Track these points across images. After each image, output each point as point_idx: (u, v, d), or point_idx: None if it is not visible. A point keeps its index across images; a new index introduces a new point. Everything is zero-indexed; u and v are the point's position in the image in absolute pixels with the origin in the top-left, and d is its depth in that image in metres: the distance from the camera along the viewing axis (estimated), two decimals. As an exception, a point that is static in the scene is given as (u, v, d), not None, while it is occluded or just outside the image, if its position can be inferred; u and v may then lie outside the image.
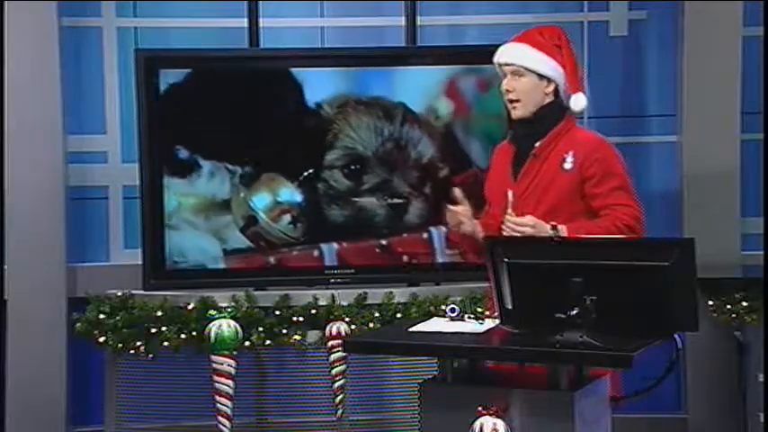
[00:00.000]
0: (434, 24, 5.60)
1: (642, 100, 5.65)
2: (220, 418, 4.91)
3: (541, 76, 3.74)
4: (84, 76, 5.53)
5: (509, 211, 3.60)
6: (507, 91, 3.76)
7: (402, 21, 5.47)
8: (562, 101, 3.79)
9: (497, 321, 3.36)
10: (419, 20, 5.49)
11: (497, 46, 3.88)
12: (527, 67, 3.73)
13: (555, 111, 3.77)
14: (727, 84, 5.33)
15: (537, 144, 3.75)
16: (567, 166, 3.70)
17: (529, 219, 3.59)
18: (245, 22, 5.40)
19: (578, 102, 3.80)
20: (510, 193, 3.60)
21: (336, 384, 4.99)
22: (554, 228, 3.48)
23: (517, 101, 3.74)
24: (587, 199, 3.72)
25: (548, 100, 3.76)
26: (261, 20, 5.41)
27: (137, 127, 5.17)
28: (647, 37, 5.65)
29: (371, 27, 5.61)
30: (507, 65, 3.76)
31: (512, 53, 3.77)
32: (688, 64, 5.39)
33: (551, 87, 3.76)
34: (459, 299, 4.81)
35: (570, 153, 3.71)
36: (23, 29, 5.23)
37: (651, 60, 5.65)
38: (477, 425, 3.14)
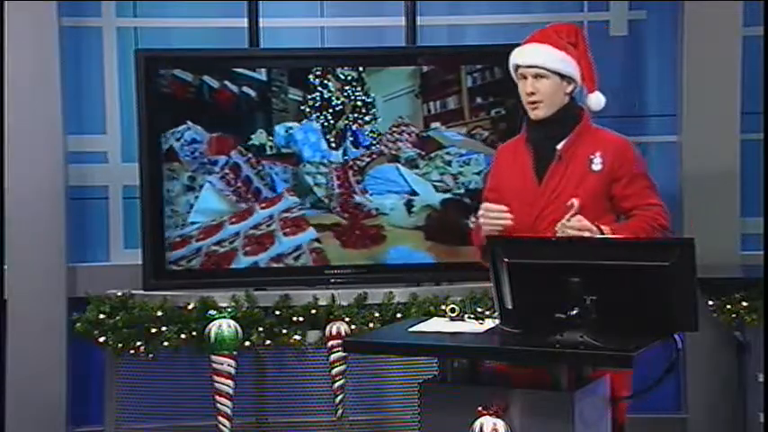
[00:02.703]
0: (434, 24, 5.60)
1: (642, 100, 5.65)
2: (220, 418, 4.91)
3: (563, 77, 3.70)
4: (84, 76, 5.53)
5: (567, 217, 3.52)
6: (531, 93, 3.69)
7: (402, 21, 5.47)
8: (576, 100, 3.77)
9: (497, 321, 3.36)
10: (419, 20, 5.49)
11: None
12: (551, 69, 3.68)
13: (572, 110, 3.75)
14: (727, 84, 5.34)
15: (559, 146, 3.70)
16: (596, 167, 3.67)
17: (585, 222, 3.52)
18: (245, 22, 5.41)
19: (598, 101, 3.80)
20: (575, 201, 3.53)
21: (336, 384, 4.99)
22: (600, 230, 3.50)
23: (540, 101, 3.69)
24: (616, 200, 3.70)
25: (566, 100, 3.73)
26: (261, 20, 5.41)
27: (137, 127, 5.17)
28: (647, 37, 5.66)
29: (371, 27, 5.61)
30: (530, 67, 3.70)
31: (535, 55, 3.71)
32: (688, 64, 5.39)
33: (571, 87, 3.73)
34: (459, 299, 4.81)
35: (598, 154, 3.68)
36: (23, 29, 5.23)
37: (651, 60, 5.65)
38: (477, 425, 3.14)
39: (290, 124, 5.18)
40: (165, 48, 5.36)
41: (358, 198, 5.20)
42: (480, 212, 3.68)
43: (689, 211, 5.36)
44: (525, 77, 3.72)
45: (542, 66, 3.69)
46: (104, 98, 5.54)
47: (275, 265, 5.18)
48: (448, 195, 5.19)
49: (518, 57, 3.75)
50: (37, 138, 5.27)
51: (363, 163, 5.21)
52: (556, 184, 3.68)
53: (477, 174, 5.12)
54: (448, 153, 5.20)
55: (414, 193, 5.20)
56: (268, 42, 5.43)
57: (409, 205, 5.21)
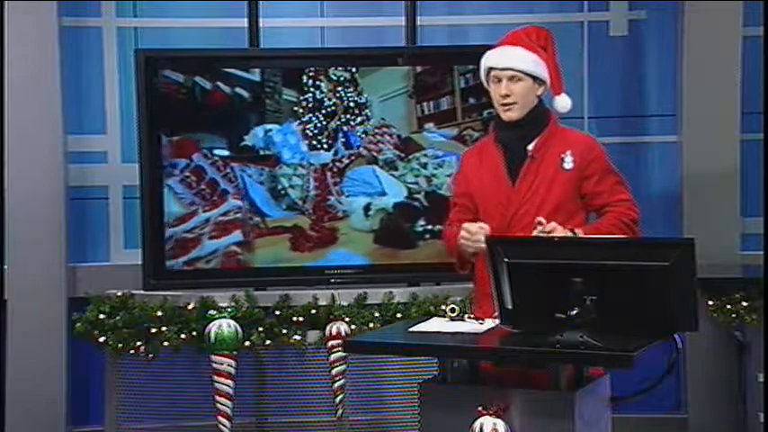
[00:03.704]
0: (434, 24, 5.60)
1: (642, 100, 5.66)
2: (220, 418, 4.91)
3: (535, 79, 3.75)
4: (84, 76, 5.53)
5: (539, 228, 3.55)
6: (506, 95, 3.73)
7: (402, 21, 5.47)
8: (543, 102, 3.81)
9: (497, 321, 3.36)
10: (419, 20, 5.49)
11: (491, 46, 3.86)
12: (525, 71, 3.73)
13: (541, 112, 3.79)
14: (727, 84, 5.34)
15: (530, 146, 3.75)
16: (568, 165, 3.73)
17: (557, 227, 3.56)
18: (245, 22, 5.40)
19: (564, 103, 3.85)
20: (542, 219, 3.57)
21: (336, 384, 4.99)
22: (573, 233, 3.55)
23: (515, 103, 3.73)
24: (587, 197, 3.76)
25: (536, 102, 3.78)
26: (261, 20, 5.41)
27: (137, 127, 5.17)
28: (647, 37, 5.66)
29: (371, 27, 5.62)
30: (505, 69, 3.74)
31: (510, 58, 3.75)
32: (688, 64, 5.39)
33: (541, 89, 3.78)
34: (459, 299, 4.81)
35: (568, 153, 3.73)
36: (23, 29, 5.23)
37: (651, 60, 5.65)
38: (477, 425, 3.14)
39: (269, 126, 5.17)
40: (164, 48, 5.36)
41: (332, 200, 5.19)
42: (462, 233, 3.66)
43: (689, 211, 5.37)
44: (499, 80, 3.76)
45: (517, 68, 3.73)
46: (104, 98, 5.54)
47: (187, 269, 5.14)
48: (400, 199, 5.19)
49: (492, 60, 3.79)
50: (37, 138, 5.27)
51: (343, 165, 5.20)
52: (530, 183, 3.73)
53: (449, 176, 5.08)
54: (425, 155, 5.20)
55: (383, 195, 5.20)
56: (268, 43, 5.43)
57: (367, 208, 5.21)
